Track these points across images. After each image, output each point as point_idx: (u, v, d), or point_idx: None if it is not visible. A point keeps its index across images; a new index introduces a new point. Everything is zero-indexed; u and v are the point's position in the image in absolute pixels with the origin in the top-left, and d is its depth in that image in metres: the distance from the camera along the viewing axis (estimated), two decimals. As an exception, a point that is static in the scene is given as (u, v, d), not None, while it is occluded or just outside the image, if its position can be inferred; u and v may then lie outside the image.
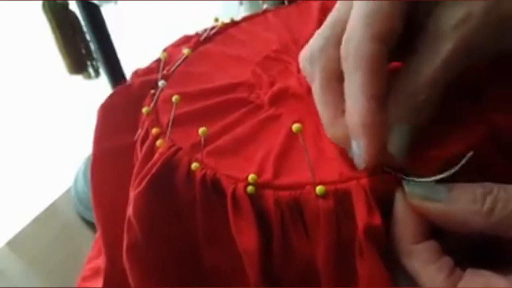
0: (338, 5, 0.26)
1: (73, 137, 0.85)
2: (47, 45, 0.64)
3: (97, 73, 0.66)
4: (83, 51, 0.63)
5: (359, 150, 0.22)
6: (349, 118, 0.22)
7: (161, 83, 0.32)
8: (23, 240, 0.65)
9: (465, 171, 0.21)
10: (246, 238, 0.24)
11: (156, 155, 0.27)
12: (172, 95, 0.29)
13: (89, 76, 0.66)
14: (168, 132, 0.28)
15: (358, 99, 0.22)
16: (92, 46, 0.63)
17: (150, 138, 0.28)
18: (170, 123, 0.28)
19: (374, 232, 0.22)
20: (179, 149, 0.27)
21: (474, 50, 0.22)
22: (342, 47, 0.23)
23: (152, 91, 0.32)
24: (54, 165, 0.88)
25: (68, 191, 0.71)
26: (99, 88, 0.66)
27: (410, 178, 0.22)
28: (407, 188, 0.22)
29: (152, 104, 0.31)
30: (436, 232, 0.22)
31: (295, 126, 0.24)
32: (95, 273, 0.38)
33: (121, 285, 0.31)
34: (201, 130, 0.26)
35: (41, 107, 1.05)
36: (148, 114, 0.30)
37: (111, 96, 0.33)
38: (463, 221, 0.21)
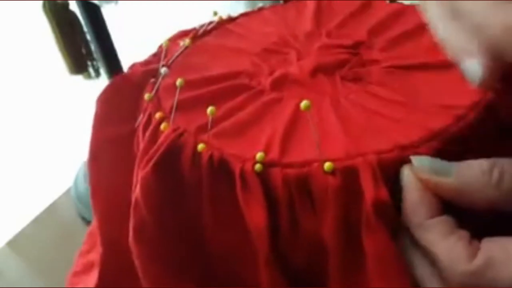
0: None
1: (73, 137, 0.85)
2: (47, 45, 0.64)
3: (97, 73, 0.66)
4: (83, 51, 0.63)
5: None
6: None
7: (163, 70, 0.31)
8: (23, 240, 0.65)
9: (467, 150, 0.22)
10: (255, 214, 0.24)
11: (162, 137, 0.27)
12: (173, 83, 0.29)
13: (89, 76, 0.66)
14: (172, 116, 0.28)
15: None
16: (92, 46, 0.63)
17: (154, 122, 0.28)
18: (174, 106, 0.28)
19: (382, 206, 0.22)
20: (185, 131, 0.27)
21: None
22: None
23: (153, 80, 0.32)
24: (54, 165, 0.88)
25: (68, 191, 0.70)
26: (99, 88, 0.66)
27: (417, 155, 0.22)
28: (416, 162, 0.22)
29: (153, 91, 0.30)
30: (448, 211, 0.22)
31: (304, 103, 0.24)
32: (87, 268, 0.38)
33: (119, 272, 0.31)
34: (210, 109, 0.26)
35: (42, 107, 1.05)
36: (150, 99, 0.30)
37: (109, 86, 0.33)
38: (473, 195, 0.21)
